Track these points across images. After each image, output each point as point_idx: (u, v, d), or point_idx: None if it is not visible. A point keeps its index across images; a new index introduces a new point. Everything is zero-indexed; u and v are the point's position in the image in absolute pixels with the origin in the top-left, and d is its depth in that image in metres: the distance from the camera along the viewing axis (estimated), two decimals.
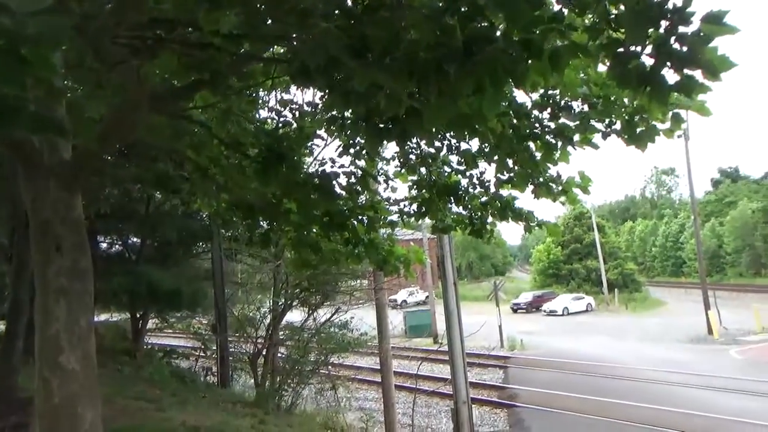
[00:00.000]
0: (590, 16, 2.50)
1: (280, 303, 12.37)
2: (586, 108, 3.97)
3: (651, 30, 2.26)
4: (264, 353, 12.16)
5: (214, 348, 12.52)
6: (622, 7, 2.35)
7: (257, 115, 5.65)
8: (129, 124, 3.14)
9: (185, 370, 13.54)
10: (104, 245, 13.53)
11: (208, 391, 11.10)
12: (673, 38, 2.26)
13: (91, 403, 2.92)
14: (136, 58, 2.71)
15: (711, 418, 11.75)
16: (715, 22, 2.22)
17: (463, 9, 2.21)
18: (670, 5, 2.22)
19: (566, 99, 4.03)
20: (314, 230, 5.58)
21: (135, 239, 13.10)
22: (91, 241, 3.34)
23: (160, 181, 6.13)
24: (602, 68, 3.48)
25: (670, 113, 3.69)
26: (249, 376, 12.83)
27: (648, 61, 2.35)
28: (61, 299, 2.87)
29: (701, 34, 2.22)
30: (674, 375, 16.86)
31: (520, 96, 4.09)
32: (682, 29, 2.24)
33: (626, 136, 3.85)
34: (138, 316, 12.90)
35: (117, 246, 13.66)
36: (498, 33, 2.27)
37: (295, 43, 2.67)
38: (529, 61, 2.28)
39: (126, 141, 5.88)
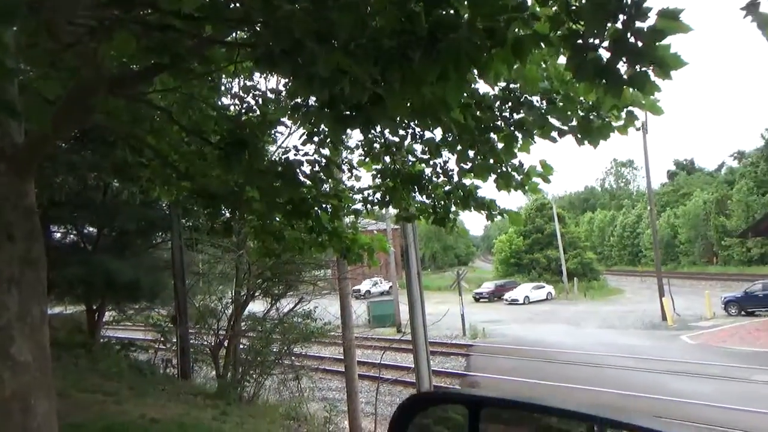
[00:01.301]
0: (552, 6, 2.54)
1: (242, 293, 12.23)
2: (545, 104, 4.05)
3: (609, 24, 2.32)
4: (226, 344, 12.02)
5: (174, 340, 12.30)
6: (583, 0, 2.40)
7: (219, 102, 5.55)
8: (85, 108, 3.04)
9: (144, 362, 13.27)
10: (58, 235, 13.10)
11: (168, 383, 10.92)
12: (629, 33, 2.32)
13: (45, 395, 2.84)
14: (92, 39, 2.61)
15: (665, 401, 12.20)
16: (671, 17, 2.28)
17: None
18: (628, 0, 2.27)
19: (527, 94, 4.09)
20: (277, 219, 5.54)
21: (91, 228, 12.73)
22: (44, 230, 3.24)
23: (117, 168, 5.96)
24: (562, 62, 3.56)
25: (624, 110, 3.80)
26: (210, 368, 12.67)
27: (605, 54, 2.41)
28: (13, 288, 2.77)
29: (656, 29, 2.29)
30: (630, 360, 17.43)
31: (483, 88, 4.14)
32: (638, 24, 2.30)
33: (580, 135, 3.94)
34: (94, 308, 12.56)
35: (72, 235, 13.23)
36: (462, 21, 2.28)
37: (258, 27, 2.62)
38: (493, 50, 2.30)
39: (81, 125, 5.70)
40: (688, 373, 15.12)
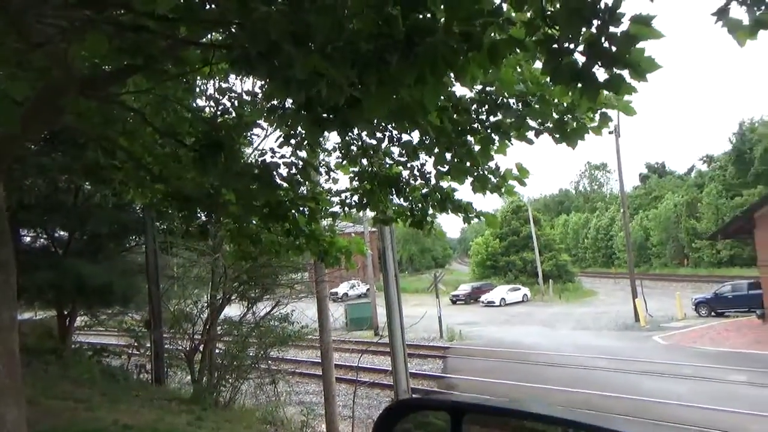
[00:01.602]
0: (528, 11, 2.57)
1: (218, 297, 12.08)
2: (521, 106, 4.09)
3: (584, 29, 2.36)
4: (201, 349, 11.86)
5: (148, 345, 12.09)
6: (558, 5, 2.44)
7: (194, 103, 5.48)
8: (55, 109, 2.98)
9: (117, 368, 13.00)
10: (28, 239, 12.78)
11: (142, 389, 10.73)
12: (603, 38, 2.36)
13: (14, 402, 2.77)
14: (63, 39, 2.56)
15: (638, 401, 12.40)
16: (644, 23, 2.34)
17: (405, 0, 2.22)
18: (602, 5, 2.32)
19: (503, 96, 4.13)
20: (254, 221, 5.49)
21: (62, 232, 12.45)
22: (13, 234, 3.15)
23: (89, 170, 5.84)
24: (538, 66, 3.61)
25: (599, 112, 3.87)
26: (185, 373, 12.48)
27: (580, 58, 2.45)
28: None
29: (629, 34, 2.33)
30: (604, 361, 17.69)
31: (459, 91, 4.17)
32: (612, 29, 2.35)
33: (557, 135, 4.01)
34: (65, 313, 12.27)
35: (42, 239, 12.92)
36: (439, 25, 2.29)
37: (234, 29, 2.60)
38: (469, 54, 2.32)
39: (51, 126, 5.59)
40: (660, 374, 15.40)
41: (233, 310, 13.06)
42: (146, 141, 4.77)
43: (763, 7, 2.23)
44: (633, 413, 11.34)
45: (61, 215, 11.27)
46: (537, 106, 3.97)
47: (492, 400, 2.06)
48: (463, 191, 5.43)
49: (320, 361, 13.13)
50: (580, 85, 2.46)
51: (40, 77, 3.01)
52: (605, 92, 2.63)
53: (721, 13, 2.32)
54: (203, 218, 5.78)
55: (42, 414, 6.60)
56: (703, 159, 75.64)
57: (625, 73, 2.46)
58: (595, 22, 2.34)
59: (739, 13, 2.30)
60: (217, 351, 12.24)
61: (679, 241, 60.44)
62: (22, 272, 3.34)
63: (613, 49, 2.37)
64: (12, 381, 2.75)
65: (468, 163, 4.56)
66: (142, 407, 8.42)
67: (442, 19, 2.35)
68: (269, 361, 13.02)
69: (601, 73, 2.48)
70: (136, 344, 13.24)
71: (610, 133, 31.01)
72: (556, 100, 3.93)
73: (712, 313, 27.73)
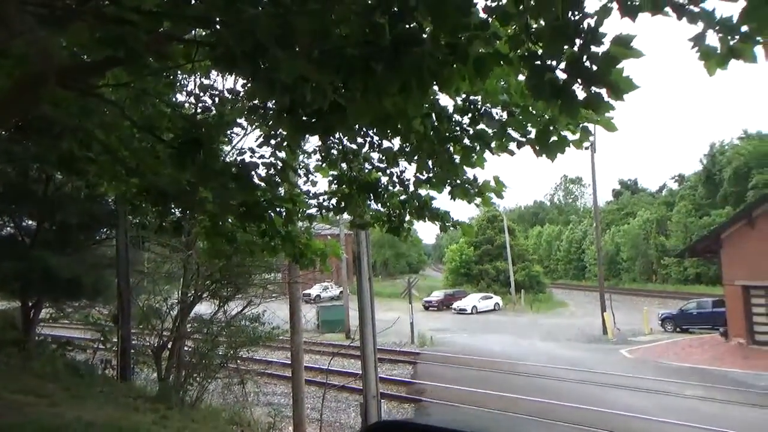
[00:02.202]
0: (513, 27, 2.61)
1: (189, 294, 11.92)
2: (505, 116, 4.13)
3: (566, 47, 2.40)
4: (169, 346, 11.68)
5: (115, 340, 11.85)
6: (542, 22, 2.48)
7: (174, 99, 5.42)
8: (31, 98, 2.92)
9: (81, 363, 12.70)
10: None
11: (107, 385, 10.50)
12: (585, 56, 2.41)
13: None
14: (43, 29, 2.51)
15: (601, 413, 12.61)
16: (623, 44, 2.40)
17: (393, 9, 2.23)
18: (585, 25, 2.37)
19: (487, 106, 4.17)
20: (230, 220, 5.44)
21: (30, 221, 12.16)
22: None
23: (62, 160, 5.71)
24: (521, 79, 3.66)
25: (580, 126, 3.93)
26: (152, 370, 12.26)
27: (561, 75, 2.49)
28: None
29: (610, 54, 2.39)
30: (571, 372, 17.94)
31: (443, 99, 4.20)
32: (594, 49, 2.40)
33: (538, 147, 4.05)
34: (30, 304, 11.98)
35: (9, 228, 12.61)
36: (425, 36, 2.31)
37: (218, 26, 2.58)
38: (455, 66, 2.34)
39: (26, 115, 5.47)
40: (625, 386, 15.68)
41: (204, 308, 12.91)
42: (123, 134, 4.70)
43: (737, 36, 2.30)
44: (595, 424, 11.53)
45: (30, 204, 11.01)
46: (520, 117, 4.01)
47: (472, 424, 2.04)
48: (440, 200, 5.47)
49: (290, 362, 13.05)
50: (560, 101, 2.51)
51: (18, 65, 2.95)
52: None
53: (698, 40, 2.39)
54: (178, 214, 5.71)
55: (3, 408, 6.43)
56: (674, 178, 77.47)
57: (604, 91, 2.52)
58: (578, 41, 2.39)
59: (714, 40, 2.38)
60: (186, 349, 12.07)
61: (649, 257, 61.61)
62: None
63: (594, 68, 2.42)
64: None
65: (448, 172, 4.59)
66: (106, 404, 8.25)
67: (429, 29, 2.38)
68: (238, 361, 12.88)
69: (580, 91, 2.53)
70: (102, 339, 12.96)
71: (586, 148, 31.48)
72: (539, 113, 3.97)
73: (678, 329, 28.34)
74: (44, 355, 11.15)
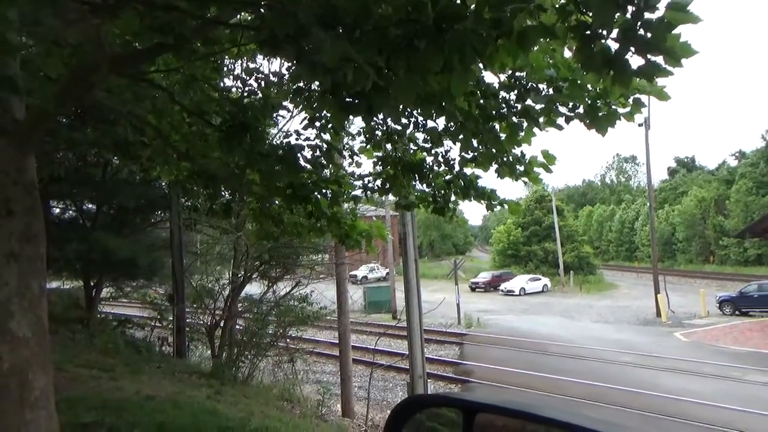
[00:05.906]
0: None
1: (239, 275, 12.25)
2: (551, 91, 4.01)
3: (617, 15, 2.30)
4: (222, 325, 12.07)
5: (171, 318, 12.35)
6: None
7: (221, 83, 5.52)
8: (86, 85, 3.03)
9: (140, 340, 13.32)
10: (57, 210, 13.09)
11: (164, 361, 10.97)
12: (638, 24, 2.30)
13: (43, 369, 2.86)
14: (96, 17, 2.60)
15: (655, 397, 12.30)
16: (680, 9, 2.27)
17: None
18: None
19: (533, 81, 4.06)
20: (277, 202, 5.53)
21: (90, 205, 12.71)
22: (43, 205, 3.24)
23: (118, 146, 5.93)
24: (568, 54, 3.54)
25: (631, 98, 3.77)
26: (206, 348, 12.73)
27: (613, 45, 2.39)
28: (12, 263, 2.78)
29: (665, 21, 2.27)
30: (623, 355, 17.55)
31: (488, 76, 4.11)
32: (647, 15, 2.29)
33: (588, 120, 3.91)
34: (92, 284, 12.58)
35: (71, 212, 13.23)
36: (469, 11, 2.26)
37: (263, 10, 2.61)
38: (498, 41, 2.29)
39: (83, 102, 5.68)
40: (681, 371, 15.23)
41: (254, 288, 13.25)
42: (174, 119, 4.83)
43: None
44: (650, 410, 11.27)
45: (89, 188, 11.51)
46: (567, 91, 3.89)
47: (506, 401, 2.05)
48: (487, 178, 5.40)
49: (338, 342, 13.28)
50: (612, 72, 2.41)
51: (74, 54, 3.07)
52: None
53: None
54: (227, 197, 5.85)
55: (69, 381, 6.81)
56: (734, 154, 73.89)
57: (660, 59, 2.40)
58: (630, 8, 2.28)
59: None
60: (237, 327, 12.45)
61: (706, 237, 59.27)
62: (51, 243, 3.43)
63: (648, 35, 2.31)
64: (40, 349, 2.85)
65: (494, 150, 4.51)
66: (163, 379, 8.62)
67: (473, 6, 2.33)
68: (288, 340, 13.20)
69: (634, 60, 2.42)
70: (159, 317, 13.53)
71: (639, 125, 30.36)
72: (588, 86, 3.83)
73: (736, 312, 27.26)
74: (106, 332, 11.71)
